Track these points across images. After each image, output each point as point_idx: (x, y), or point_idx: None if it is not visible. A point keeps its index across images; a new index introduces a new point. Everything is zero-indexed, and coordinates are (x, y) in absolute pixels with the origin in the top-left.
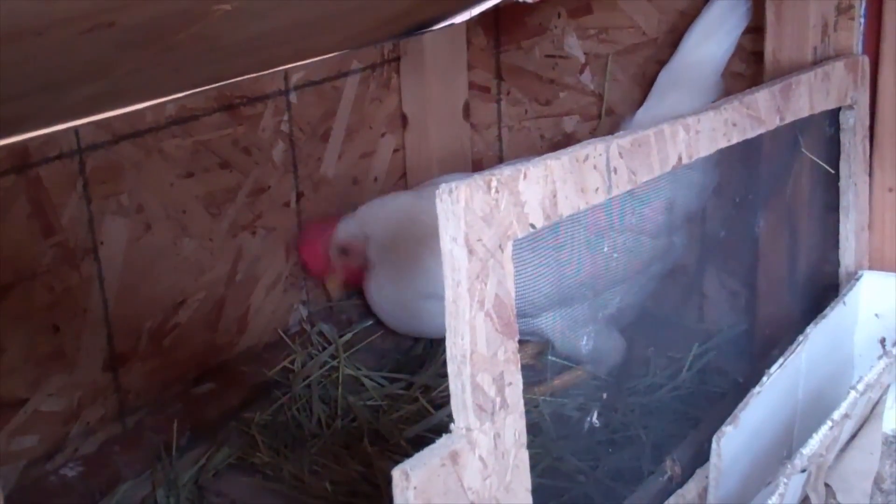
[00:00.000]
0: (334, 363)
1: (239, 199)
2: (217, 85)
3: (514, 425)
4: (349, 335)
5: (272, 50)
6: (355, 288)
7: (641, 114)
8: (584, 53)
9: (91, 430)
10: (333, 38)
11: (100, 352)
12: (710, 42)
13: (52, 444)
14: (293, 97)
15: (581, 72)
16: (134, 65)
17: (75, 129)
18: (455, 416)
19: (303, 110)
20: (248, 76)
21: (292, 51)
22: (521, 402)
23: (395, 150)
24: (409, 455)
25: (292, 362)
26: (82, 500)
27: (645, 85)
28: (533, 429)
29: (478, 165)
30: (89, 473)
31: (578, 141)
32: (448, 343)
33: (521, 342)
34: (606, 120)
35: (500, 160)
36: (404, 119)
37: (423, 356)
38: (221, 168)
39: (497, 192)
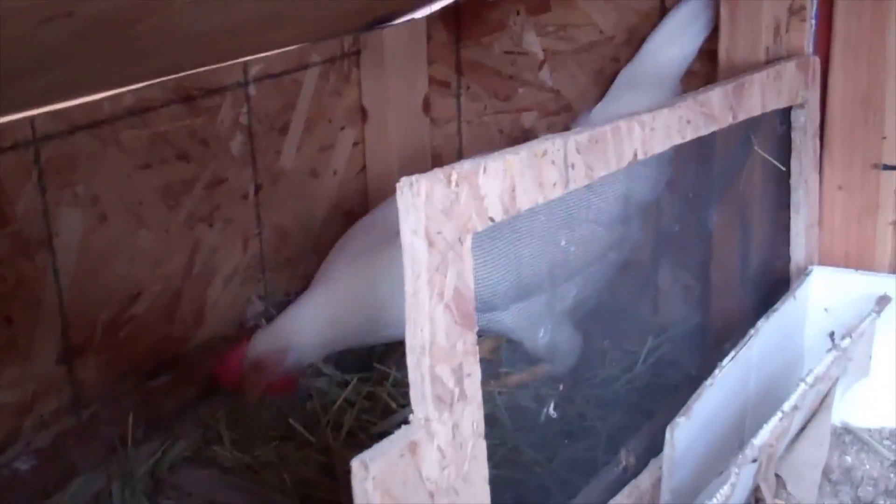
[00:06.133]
0: None
1: (196, 191)
2: (176, 76)
3: (473, 416)
4: None
5: (231, 42)
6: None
7: (598, 110)
8: (543, 50)
9: (45, 422)
10: (292, 31)
11: (54, 344)
12: (673, 47)
13: (4, 437)
14: (252, 89)
15: (539, 68)
16: (92, 55)
17: (31, 119)
18: (414, 406)
19: (262, 102)
20: (207, 67)
21: (251, 43)
22: (480, 392)
23: (355, 144)
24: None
25: None
26: (35, 494)
27: (602, 82)
28: (490, 420)
29: (437, 160)
30: (43, 467)
31: (536, 136)
32: (408, 335)
33: (478, 336)
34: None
35: (459, 155)
36: (364, 113)
37: (386, 352)
38: (179, 159)
39: (457, 185)
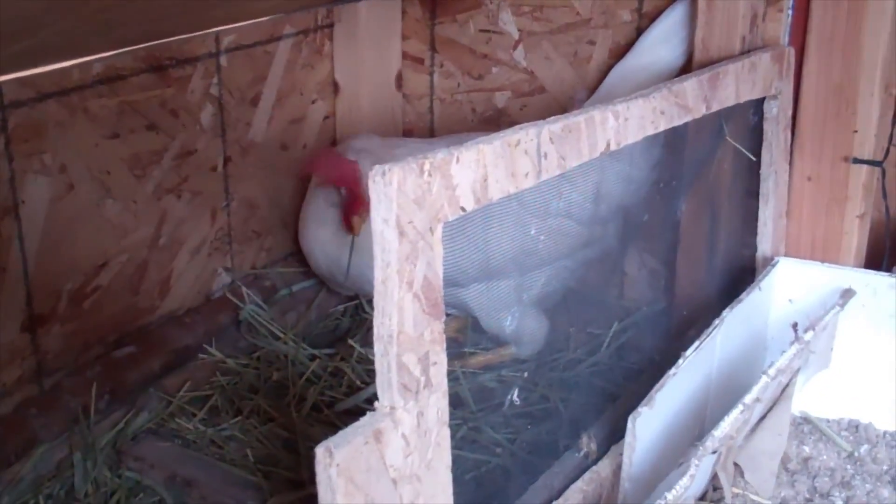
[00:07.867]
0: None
1: (165, 162)
2: (147, 45)
3: (437, 404)
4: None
5: (203, 12)
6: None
7: (590, 105)
8: (518, 30)
9: (7, 391)
10: (265, 2)
11: (18, 312)
12: (665, 46)
13: None
14: (224, 60)
15: (514, 48)
16: (63, 24)
17: None
18: (380, 394)
19: (233, 74)
20: (179, 37)
21: (223, 13)
22: (445, 381)
23: (326, 118)
24: (335, 424)
25: (220, 326)
26: None
27: (577, 65)
28: (453, 400)
29: (408, 136)
30: (5, 436)
31: (509, 116)
32: (376, 323)
33: (446, 316)
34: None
35: (430, 132)
36: (336, 86)
37: (351, 327)
38: (148, 130)
39: (430, 175)
